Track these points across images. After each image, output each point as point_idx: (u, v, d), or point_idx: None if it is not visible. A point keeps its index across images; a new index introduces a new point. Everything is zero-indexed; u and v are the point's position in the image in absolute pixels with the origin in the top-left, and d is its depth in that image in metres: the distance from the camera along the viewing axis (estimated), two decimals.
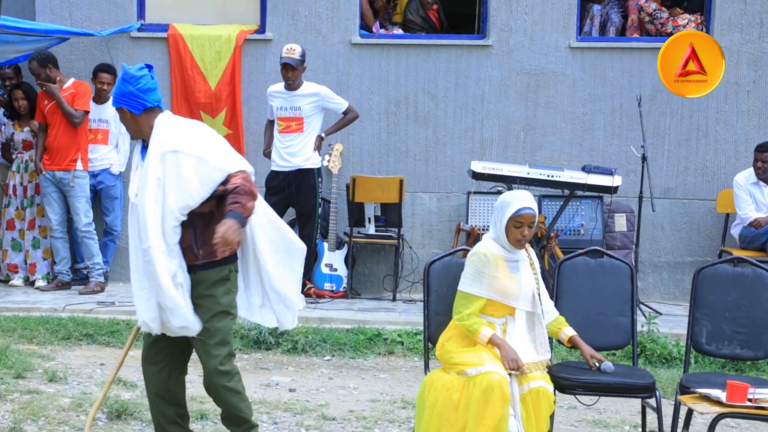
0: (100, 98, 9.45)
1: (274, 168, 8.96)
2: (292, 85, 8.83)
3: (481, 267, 5.11)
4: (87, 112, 9.24)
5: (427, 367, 5.42)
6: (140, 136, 4.97)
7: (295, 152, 8.86)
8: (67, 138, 9.18)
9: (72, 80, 9.29)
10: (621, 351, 7.26)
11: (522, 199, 5.09)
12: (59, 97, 9.06)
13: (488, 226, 9.24)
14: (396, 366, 7.79)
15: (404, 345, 8.06)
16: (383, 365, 7.80)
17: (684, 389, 5.06)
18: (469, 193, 9.53)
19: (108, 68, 9.47)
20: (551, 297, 5.46)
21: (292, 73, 8.80)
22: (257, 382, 7.08)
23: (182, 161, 4.76)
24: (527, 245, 5.24)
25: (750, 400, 4.54)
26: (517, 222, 5.06)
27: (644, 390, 5.17)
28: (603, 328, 5.48)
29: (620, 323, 5.51)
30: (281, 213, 8.64)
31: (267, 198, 8.56)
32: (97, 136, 9.48)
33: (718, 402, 4.58)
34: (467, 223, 9.43)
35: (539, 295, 5.18)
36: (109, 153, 9.50)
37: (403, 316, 8.78)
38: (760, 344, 5.31)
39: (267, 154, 9.07)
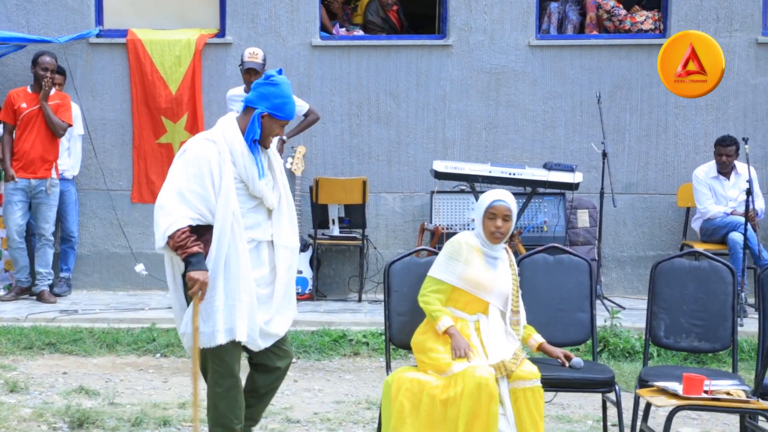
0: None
1: None
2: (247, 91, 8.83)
3: (455, 254, 5.15)
4: (70, 125, 9.15)
5: (388, 368, 5.43)
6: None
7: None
8: (45, 146, 9.01)
9: (54, 90, 9.16)
10: (582, 346, 7.28)
11: (497, 193, 5.24)
12: (47, 106, 8.93)
13: (452, 225, 9.29)
14: (361, 367, 7.80)
15: (369, 346, 8.08)
16: (349, 366, 7.80)
17: (643, 383, 5.10)
18: (432, 192, 9.54)
19: (59, 69, 9.33)
20: None
21: (255, 76, 8.80)
22: None
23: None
24: (510, 252, 5.27)
25: (706, 392, 4.58)
26: (490, 214, 5.16)
27: (604, 385, 5.22)
28: (563, 324, 5.52)
29: (580, 319, 5.55)
30: None
31: None
32: None
33: (674, 395, 4.62)
34: (431, 223, 9.45)
35: (515, 300, 5.19)
36: (62, 157, 9.42)
37: (369, 316, 8.79)
38: (717, 337, 5.37)
39: None
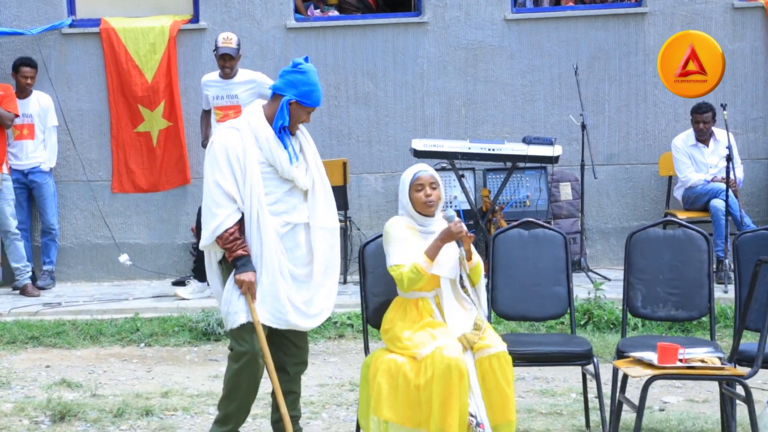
0: (23, 92, 9.31)
1: None
2: (228, 74, 8.77)
3: (397, 235, 5.09)
4: (17, 116, 9.10)
5: (367, 349, 5.42)
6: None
7: None
8: None
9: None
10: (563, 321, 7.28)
11: (415, 168, 5.17)
12: None
13: None
14: (346, 349, 7.79)
15: (354, 327, 8.07)
16: (333, 349, 7.80)
17: (621, 354, 5.09)
18: None
19: (29, 61, 9.34)
20: (487, 271, 5.46)
21: (229, 62, 8.76)
22: (206, 374, 7.05)
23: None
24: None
25: (681, 360, 4.57)
26: (417, 186, 5.08)
27: (581, 357, 5.21)
28: (540, 298, 5.51)
29: (557, 293, 5.54)
30: None
31: None
32: (22, 131, 9.35)
33: (650, 365, 4.61)
34: None
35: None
36: (37, 149, 9.38)
37: (353, 298, 8.75)
38: (694, 305, 5.35)
39: (205, 145, 8.98)
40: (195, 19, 9.83)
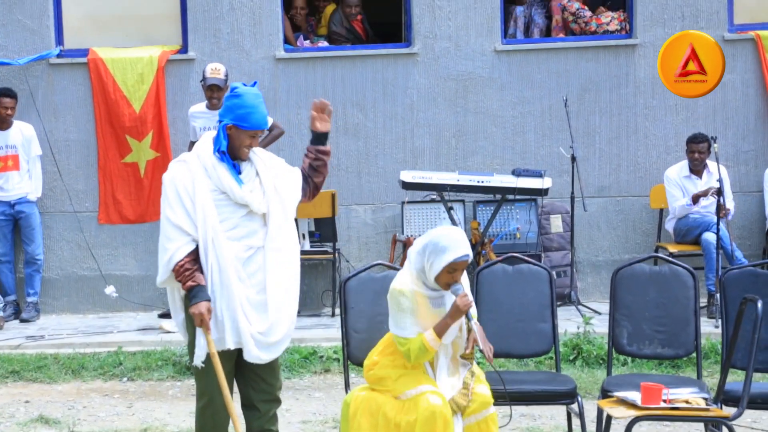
0: (3, 123, 9.26)
1: None
2: (216, 105, 8.72)
3: (401, 306, 4.85)
4: None
5: (347, 387, 5.32)
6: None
7: None
8: None
9: None
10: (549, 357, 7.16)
11: (459, 245, 4.78)
12: None
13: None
14: (332, 384, 7.67)
15: (340, 362, 7.90)
16: (319, 384, 7.69)
17: (605, 393, 5.00)
18: (403, 203, 9.45)
19: (9, 92, 9.29)
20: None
21: (217, 93, 8.73)
22: (188, 409, 6.90)
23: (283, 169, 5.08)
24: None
25: (664, 401, 4.47)
26: (451, 268, 4.78)
27: (566, 396, 5.12)
28: (524, 335, 5.42)
29: (541, 329, 5.44)
30: None
31: None
32: (7, 162, 9.29)
33: (633, 405, 4.51)
34: (403, 234, 9.35)
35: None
36: (23, 180, 9.32)
37: (341, 331, 8.64)
38: (680, 342, 5.26)
39: None
40: (184, 49, 9.78)
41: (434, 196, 9.29)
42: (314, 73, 9.79)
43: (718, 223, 8.48)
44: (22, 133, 9.36)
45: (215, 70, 8.75)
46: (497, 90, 9.76)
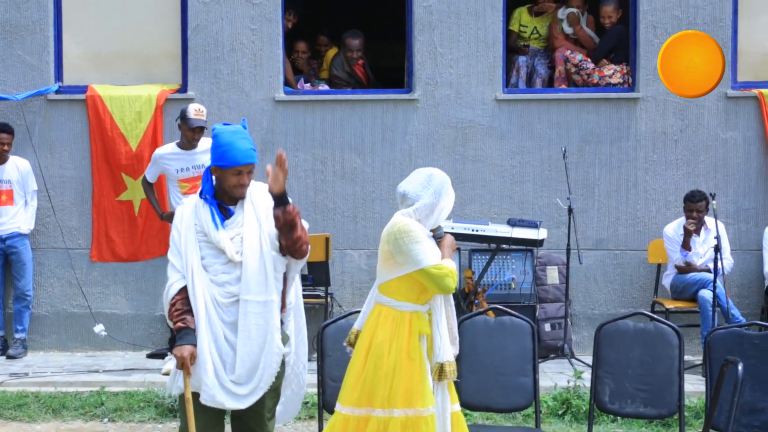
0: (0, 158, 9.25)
1: None
2: (195, 145, 8.68)
3: (418, 237, 4.81)
4: None
5: None
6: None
7: None
8: None
9: None
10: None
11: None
12: None
13: None
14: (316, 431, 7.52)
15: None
16: (303, 430, 7.55)
17: None
18: None
19: (6, 127, 9.27)
20: None
21: (199, 134, 8.69)
22: None
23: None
24: None
25: None
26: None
27: None
28: (504, 389, 5.30)
29: (522, 383, 5.32)
30: None
31: None
32: (1, 197, 9.25)
33: None
34: None
35: None
36: (17, 215, 9.27)
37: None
38: (664, 402, 5.13)
39: (168, 217, 8.59)
40: (183, 88, 9.75)
41: None
42: (313, 116, 9.74)
43: (714, 281, 8.35)
44: (17, 168, 9.32)
45: (199, 112, 8.68)
46: (497, 139, 9.69)
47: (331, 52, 10.54)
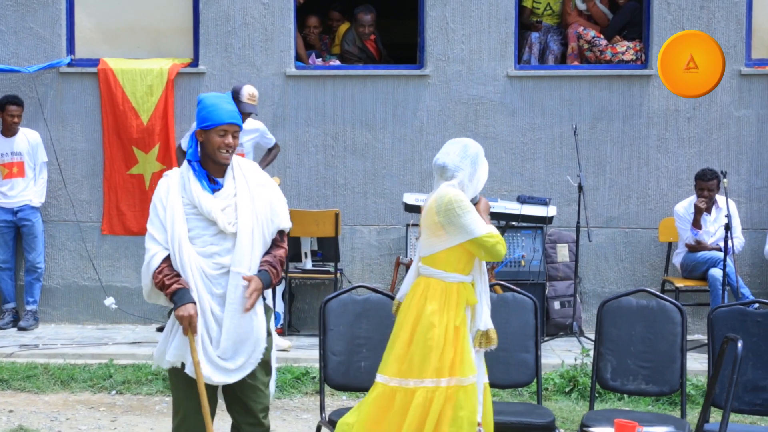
0: (9, 131, 9.26)
1: None
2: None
3: (467, 206, 4.83)
4: None
5: (322, 409, 5.22)
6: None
7: None
8: None
9: None
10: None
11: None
12: None
13: None
14: (333, 404, 7.54)
15: None
16: (309, 405, 7.57)
17: (584, 427, 4.85)
18: (408, 225, 9.34)
19: (15, 99, 9.29)
20: None
21: (247, 117, 8.57)
22: (170, 426, 6.81)
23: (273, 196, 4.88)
24: None
25: None
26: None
27: (543, 429, 4.97)
28: (506, 365, 5.29)
29: (524, 360, 5.31)
30: None
31: None
32: (12, 169, 9.29)
33: None
34: (406, 257, 9.23)
35: None
36: (28, 187, 9.31)
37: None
38: (665, 379, 5.11)
39: None
40: (194, 63, 9.75)
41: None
42: (324, 91, 9.72)
43: (725, 259, 8.31)
44: (27, 140, 9.35)
45: (252, 97, 8.50)
46: (508, 115, 9.65)
47: (343, 27, 10.50)
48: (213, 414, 4.79)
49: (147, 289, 4.79)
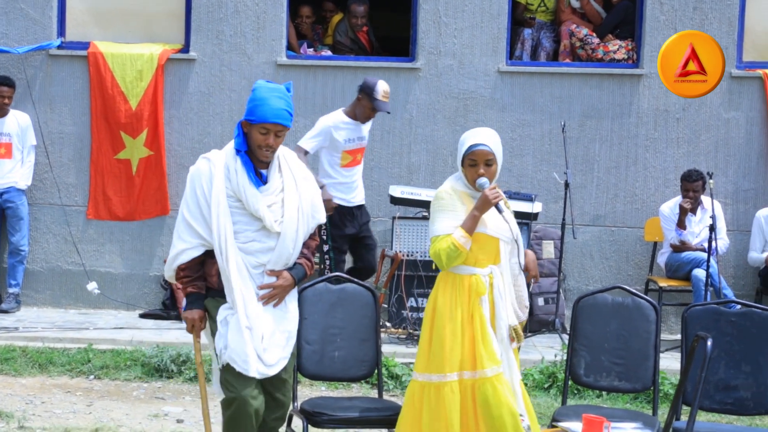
0: (0, 111, 9.23)
1: (344, 204, 8.40)
2: (368, 120, 8.41)
3: (443, 207, 4.70)
4: None
5: (294, 398, 5.19)
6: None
7: (358, 185, 8.47)
8: None
9: None
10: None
11: (475, 136, 4.73)
12: None
13: (413, 252, 9.02)
14: (301, 395, 7.51)
15: None
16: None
17: (554, 422, 4.84)
18: (394, 218, 9.31)
19: (7, 80, 9.26)
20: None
21: (372, 115, 8.37)
22: (146, 412, 6.81)
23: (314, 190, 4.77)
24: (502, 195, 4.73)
25: None
26: (470, 161, 4.67)
27: None
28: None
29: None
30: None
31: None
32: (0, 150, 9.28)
33: None
34: (392, 249, 9.20)
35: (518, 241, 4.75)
36: (14, 169, 9.28)
37: None
38: (638, 376, 5.09)
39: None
40: (185, 49, 9.71)
41: (426, 213, 9.14)
42: (315, 82, 9.69)
43: (708, 260, 8.30)
44: (17, 121, 9.32)
45: (386, 95, 8.18)
46: (498, 111, 9.63)
47: (336, 18, 10.48)
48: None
49: (170, 274, 4.80)
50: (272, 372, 4.67)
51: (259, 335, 4.61)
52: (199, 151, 9.45)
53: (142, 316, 9.31)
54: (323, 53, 10.09)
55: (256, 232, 4.61)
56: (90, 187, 9.64)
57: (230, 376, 4.62)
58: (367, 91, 8.11)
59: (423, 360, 4.76)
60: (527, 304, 4.86)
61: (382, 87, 8.12)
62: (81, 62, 9.60)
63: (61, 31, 9.72)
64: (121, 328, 8.76)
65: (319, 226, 4.94)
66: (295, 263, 4.71)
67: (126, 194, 9.64)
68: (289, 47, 9.86)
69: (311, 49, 10.12)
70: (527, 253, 4.88)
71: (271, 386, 4.75)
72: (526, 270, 4.81)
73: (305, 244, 4.76)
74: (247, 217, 4.60)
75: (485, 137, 4.72)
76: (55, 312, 9.45)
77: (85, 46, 9.63)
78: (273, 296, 4.64)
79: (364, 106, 8.16)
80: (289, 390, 4.87)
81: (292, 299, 4.78)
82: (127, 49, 9.60)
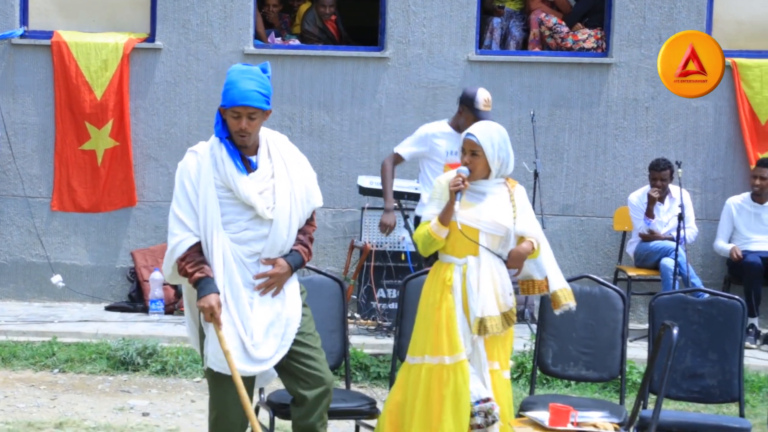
0: None
1: None
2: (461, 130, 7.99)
3: (435, 194, 4.95)
4: None
5: (261, 390, 5.12)
6: (252, 141, 4.56)
7: None
8: None
9: None
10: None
11: (474, 127, 5.03)
12: None
13: (381, 243, 8.98)
14: (271, 387, 7.45)
15: None
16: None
17: (522, 411, 4.80)
18: (363, 209, 9.25)
19: None
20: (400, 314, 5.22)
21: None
22: (112, 405, 6.73)
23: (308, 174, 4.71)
24: (510, 186, 5.09)
25: (572, 423, 4.28)
26: (462, 149, 4.93)
27: None
28: None
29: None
30: None
31: None
32: None
33: (541, 426, 4.32)
34: (360, 240, 9.15)
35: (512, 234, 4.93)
36: None
37: None
38: (605, 365, 5.07)
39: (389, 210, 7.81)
40: (151, 38, 9.60)
41: (395, 204, 9.08)
42: (282, 71, 9.59)
43: (676, 249, 8.29)
44: None
45: (488, 103, 7.62)
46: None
47: (304, 7, 10.39)
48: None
49: (169, 273, 4.64)
50: (266, 367, 4.54)
51: (250, 330, 4.48)
52: (166, 142, 9.48)
53: (108, 308, 9.21)
54: (291, 42, 10.00)
55: (248, 221, 4.49)
56: (54, 178, 9.51)
57: (216, 376, 4.50)
58: (467, 103, 7.61)
59: (411, 341, 4.99)
60: (511, 291, 4.97)
61: (482, 96, 7.54)
62: (44, 52, 9.47)
63: (24, 20, 9.58)
64: (86, 321, 8.65)
65: None
66: (291, 250, 4.62)
67: (91, 185, 9.51)
68: (257, 36, 9.77)
69: (279, 39, 10.03)
70: (519, 247, 4.98)
71: (298, 362, 4.58)
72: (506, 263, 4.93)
73: (302, 231, 4.68)
74: (239, 206, 4.49)
75: (478, 129, 4.98)
76: (18, 305, 9.32)
77: (48, 35, 9.50)
78: (270, 285, 4.53)
79: (467, 118, 7.53)
80: (321, 364, 4.66)
81: (291, 286, 4.67)
82: (92, 38, 9.48)
